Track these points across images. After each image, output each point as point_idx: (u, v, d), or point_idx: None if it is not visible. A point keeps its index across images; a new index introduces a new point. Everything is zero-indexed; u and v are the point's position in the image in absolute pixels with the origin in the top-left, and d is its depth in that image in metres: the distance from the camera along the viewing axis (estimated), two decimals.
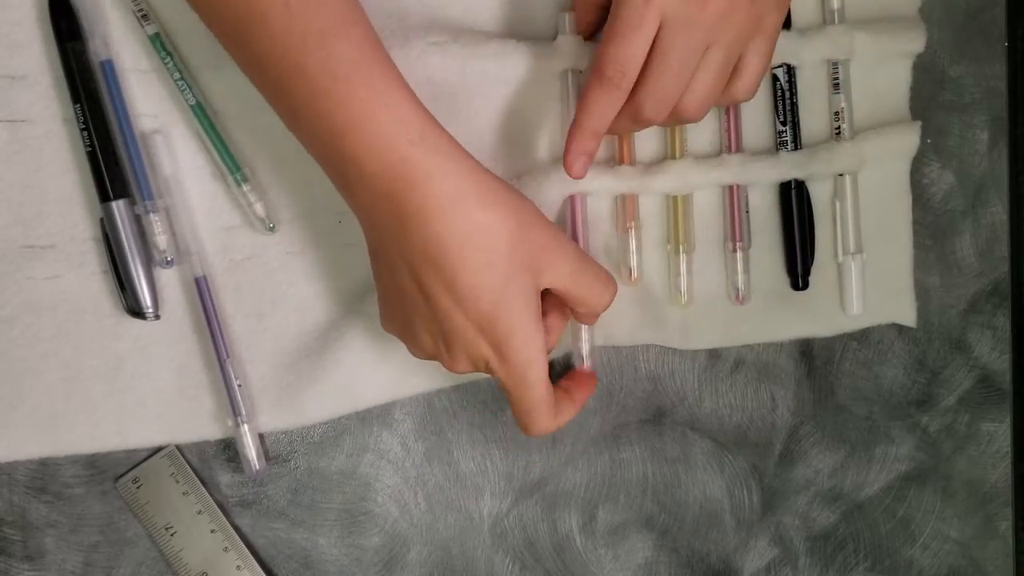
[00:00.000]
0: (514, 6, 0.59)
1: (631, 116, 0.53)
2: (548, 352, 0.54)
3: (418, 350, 0.54)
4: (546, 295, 0.54)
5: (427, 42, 0.57)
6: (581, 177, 0.54)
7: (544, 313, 0.54)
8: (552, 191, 0.59)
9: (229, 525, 0.60)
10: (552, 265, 0.51)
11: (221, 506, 0.60)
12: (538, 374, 0.52)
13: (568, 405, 0.56)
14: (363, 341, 0.59)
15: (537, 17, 0.60)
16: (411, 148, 0.47)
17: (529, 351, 0.51)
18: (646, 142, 0.60)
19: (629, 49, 0.51)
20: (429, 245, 0.48)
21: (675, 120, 0.54)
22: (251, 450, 0.59)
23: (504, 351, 0.50)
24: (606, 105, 0.53)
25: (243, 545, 0.60)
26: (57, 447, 0.58)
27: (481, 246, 0.48)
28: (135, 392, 0.58)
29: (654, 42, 0.51)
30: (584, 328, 0.60)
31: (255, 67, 0.49)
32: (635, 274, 0.60)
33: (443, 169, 0.48)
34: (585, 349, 0.60)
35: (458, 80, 0.58)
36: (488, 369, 0.52)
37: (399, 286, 0.51)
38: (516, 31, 0.59)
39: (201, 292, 0.57)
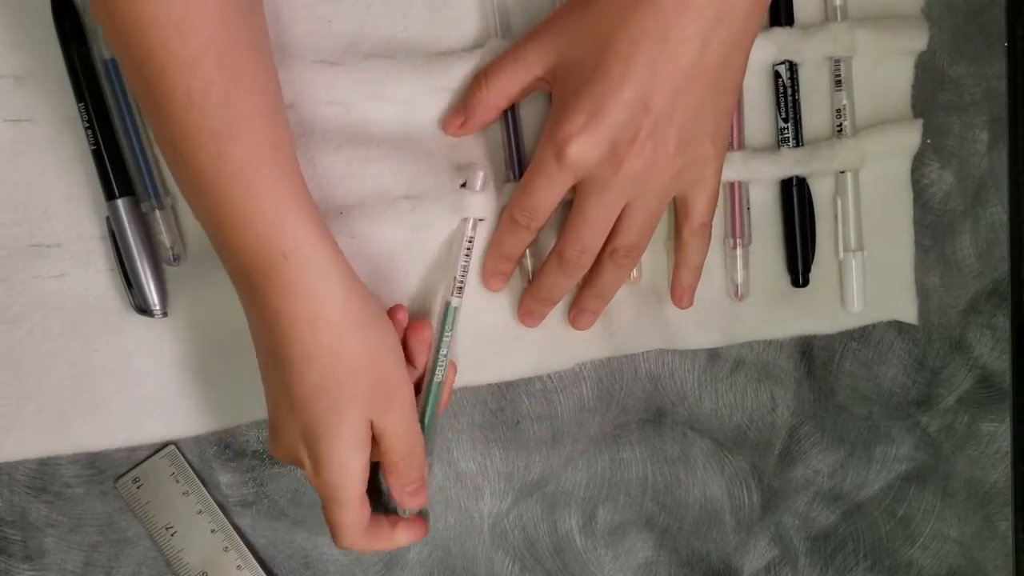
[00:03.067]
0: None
1: (557, 262, 0.56)
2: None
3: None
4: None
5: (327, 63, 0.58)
6: (498, 290, 0.59)
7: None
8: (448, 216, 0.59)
9: (229, 525, 0.60)
10: (388, 411, 0.52)
11: (221, 506, 0.60)
12: (349, 496, 0.52)
13: (386, 535, 0.57)
14: None
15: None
16: (282, 261, 0.48)
17: (342, 476, 0.51)
18: None
19: (538, 198, 0.54)
20: (277, 348, 0.50)
21: (613, 265, 0.56)
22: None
23: (318, 468, 0.51)
24: (517, 242, 0.57)
25: (243, 545, 0.60)
26: (64, 445, 0.58)
27: (319, 368, 0.49)
28: (142, 389, 0.58)
29: (575, 192, 0.54)
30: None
31: (162, 148, 0.50)
32: (635, 274, 0.60)
33: (307, 288, 0.49)
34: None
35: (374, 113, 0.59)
36: (302, 467, 0.53)
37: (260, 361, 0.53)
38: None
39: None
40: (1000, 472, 0.65)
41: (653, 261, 0.61)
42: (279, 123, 0.50)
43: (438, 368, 0.57)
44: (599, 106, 0.50)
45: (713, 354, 0.63)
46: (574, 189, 0.54)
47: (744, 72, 0.53)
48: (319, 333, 0.49)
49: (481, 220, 0.58)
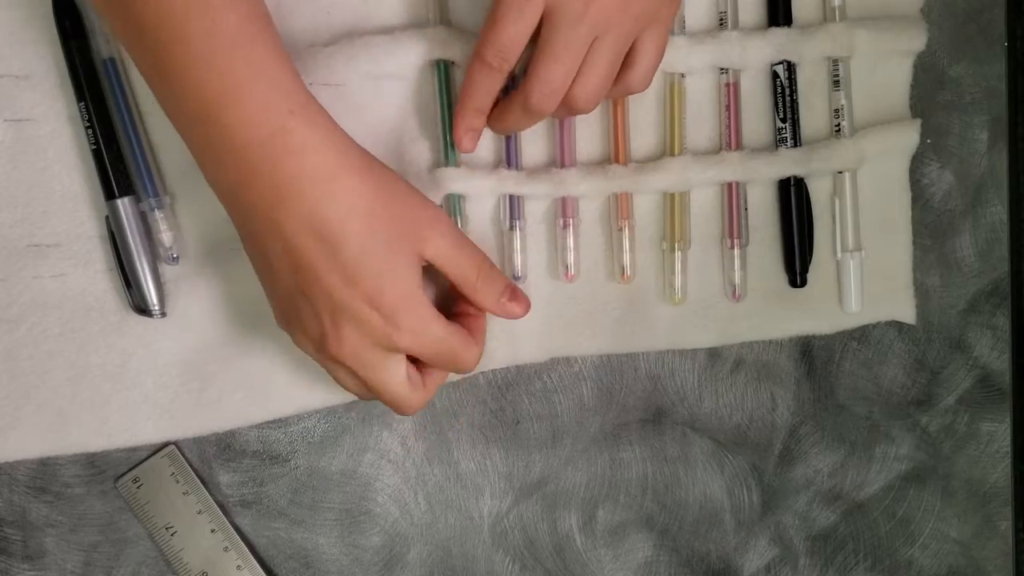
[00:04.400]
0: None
1: (522, 105, 0.53)
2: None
3: (304, 338, 0.52)
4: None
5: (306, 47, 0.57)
6: (471, 151, 0.57)
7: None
8: (431, 192, 0.59)
9: (229, 525, 0.60)
10: (431, 238, 0.51)
11: (221, 506, 0.60)
12: (441, 330, 0.51)
13: (481, 327, 0.56)
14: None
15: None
16: (290, 118, 0.47)
17: (423, 313, 0.50)
18: (644, 139, 0.61)
19: (507, 35, 0.51)
20: (311, 218, 0.48)
21: (567, 111, 0.55)
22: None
23: (399, 319, 0.50)
24: (487, 86, 0.54)
25: (243, 545, 0.60)
26: (64, 445, 0.58)
27: (362, 215, 0.48)
28: (141, 389, 0.58)
29: (540, 31, 0.51)
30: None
31: (133, 34, 0.48)
32: (627, 272, 0.60)
33: (322, 141, 0.48)
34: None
35: (342, 81, 0.58)
36: (389, 341, 0.50)
37: (275, 269, 0.50)
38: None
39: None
40: (1000, 472, 0.65)
41: (647, 261, 0.61)
42: (262, 1, 0.49)
43: None
44: None
45: (713, 354, 0.63)
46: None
47: None
48: (350, 181, 0.48)
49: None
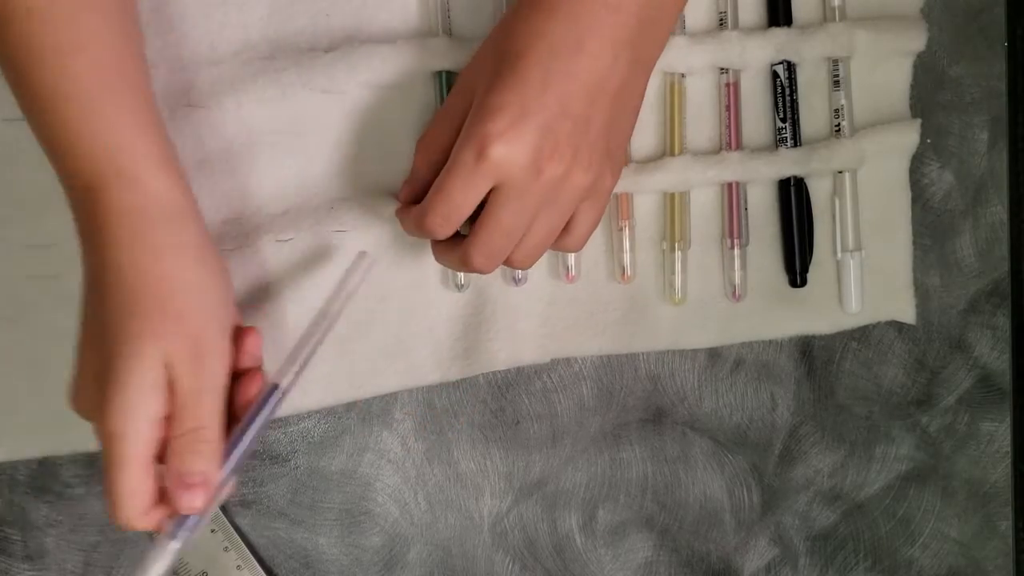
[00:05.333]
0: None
1: (461, 259, 0.53)
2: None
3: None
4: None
5: (240, 62, 0.57)
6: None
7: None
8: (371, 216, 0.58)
9: (229, 525, 0.60)
10: (191, 359, 0.47)
11: (221, 506, 0.60)
12: (129, 451, 0.46)
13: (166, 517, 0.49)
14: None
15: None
16: (114, 179, 0.47)
17: (125, 421, 0.46)
18: (644, 139, 0.61)
19: (454, 202, 0.50)
20: (95, 274, 0.48)
21: (506, 264, 0.54)
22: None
23: (103, 410, 0.46)
24: (438, 250, 0.55)
25: (243, 545, 0.60)
26: (61, 445, 0.58)
27: (128, 291, 0.47)
28: None
29: (488, 198, 0.50)
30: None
31: (1, 65, 0.48)
32: (628, 272, 0.60)
33: (135, 207, 0.47)
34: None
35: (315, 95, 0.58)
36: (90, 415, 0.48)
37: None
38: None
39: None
40: (1000, 472, 0.65)
41: (648, 262, 0.61)
42: (127, 48, 0.49)
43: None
44: (523, 108, 0.48)
45: (713, 354, 0.63)
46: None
47: (643, 98, 0.53)
48: (137, 254, 0.47)
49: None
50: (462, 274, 0.59)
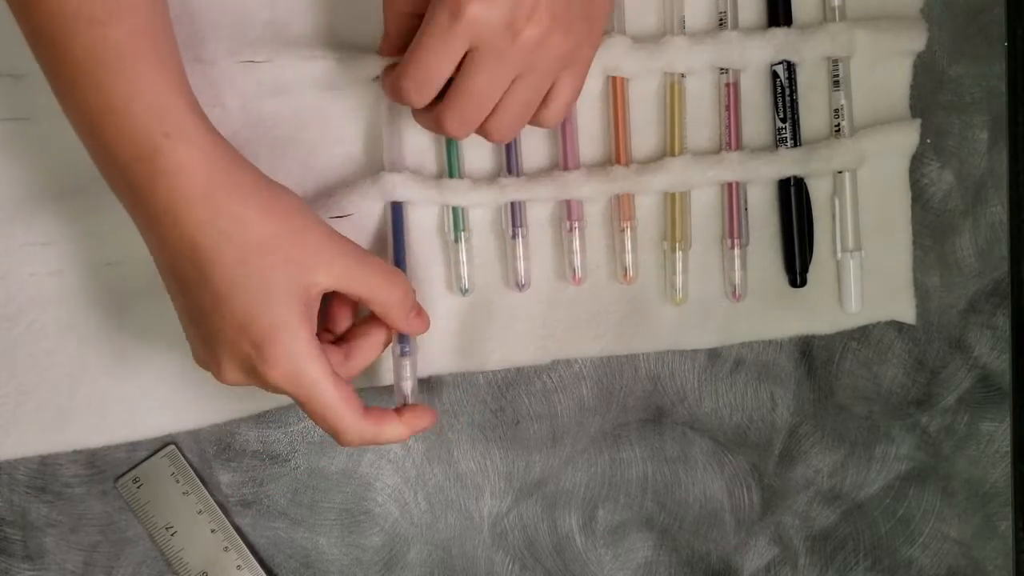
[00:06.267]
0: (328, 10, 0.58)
1: (435, 122, 0.52)
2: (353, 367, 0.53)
3: (195, 358, 0.51)
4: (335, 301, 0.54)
5: (235, 61, 0.57)
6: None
7: (331, 317, 0.55)
8: (372, 202, 0.58)
9: (229, 525, 0.60)
10: (323, 263, 0.49)
11: (221, 506, 0.60)
12: (316, 372, 0.48)
13: (392, 420, 0.52)
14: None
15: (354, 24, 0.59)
16: (165, 140, 0.46)
17: (297, 347, 0.48)
18: (644, 139, 0.61)
19: (429, 66, 0.49)
20: (182, 242, 0.47)
21: (481, 135, 0.53)
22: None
23: (267, 351, 0.48)
24: (405, 104, 0.52)
25: (243, 545, 0.60)
26: (65, 442, 0.58)
27: (235, 240, 0.47)
28: (139, 383, 0.58)
29: (462, 61, 0.49)
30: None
31: (31, 41, 0.48)
32: (630, 273, 0.60)
33: (198, 163, 0.47)
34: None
35: (272, 98, 0.58)
36: (256, 374, 0.49)
37: (167, 285, 0.50)
38: (330, 38, 0.59)
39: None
40: (1000, 472, 0.65)
41: (649, 262, 0.61)
42: (160, 15, 0.48)
43: None
44: None
45: (713, 354, 0.63)
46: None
47: None
48: (223, 204, 0.47)
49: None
50: (466, 278, 0.59)
